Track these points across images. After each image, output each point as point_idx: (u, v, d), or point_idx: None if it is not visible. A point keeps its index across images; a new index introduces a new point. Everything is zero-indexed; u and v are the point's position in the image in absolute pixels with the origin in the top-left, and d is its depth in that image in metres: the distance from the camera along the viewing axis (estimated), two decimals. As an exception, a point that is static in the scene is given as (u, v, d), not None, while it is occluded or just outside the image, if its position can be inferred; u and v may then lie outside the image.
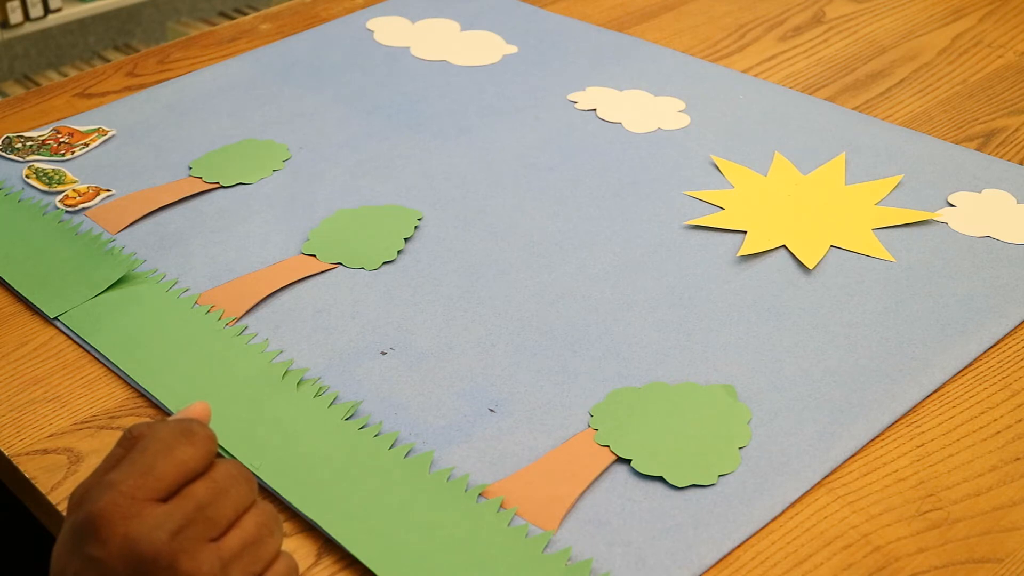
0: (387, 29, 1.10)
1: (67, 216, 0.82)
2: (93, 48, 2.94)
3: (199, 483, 0.45)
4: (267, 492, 0.59)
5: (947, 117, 0.93)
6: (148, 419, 0.65)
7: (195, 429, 0.46)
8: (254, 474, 0.55)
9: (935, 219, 0.79)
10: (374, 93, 0.98)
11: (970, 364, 0.67)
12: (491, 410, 0.64)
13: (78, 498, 0.45)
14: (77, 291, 0.74)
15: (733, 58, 1.03)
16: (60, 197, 0.84)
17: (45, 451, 0.63)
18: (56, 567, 0.44)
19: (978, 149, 0.88)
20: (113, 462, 0.46)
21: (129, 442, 0.46)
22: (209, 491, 0.45)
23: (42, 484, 0.61)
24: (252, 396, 0.65)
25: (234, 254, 0.78)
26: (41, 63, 2.86)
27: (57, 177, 0.86)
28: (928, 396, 0.65)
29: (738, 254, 0.76)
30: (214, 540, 0.44)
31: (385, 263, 0.76)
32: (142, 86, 1.02)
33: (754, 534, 0.56)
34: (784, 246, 0.77)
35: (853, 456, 0.61)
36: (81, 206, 0.83)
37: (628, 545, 0.55)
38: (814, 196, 0.82)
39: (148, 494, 0.43)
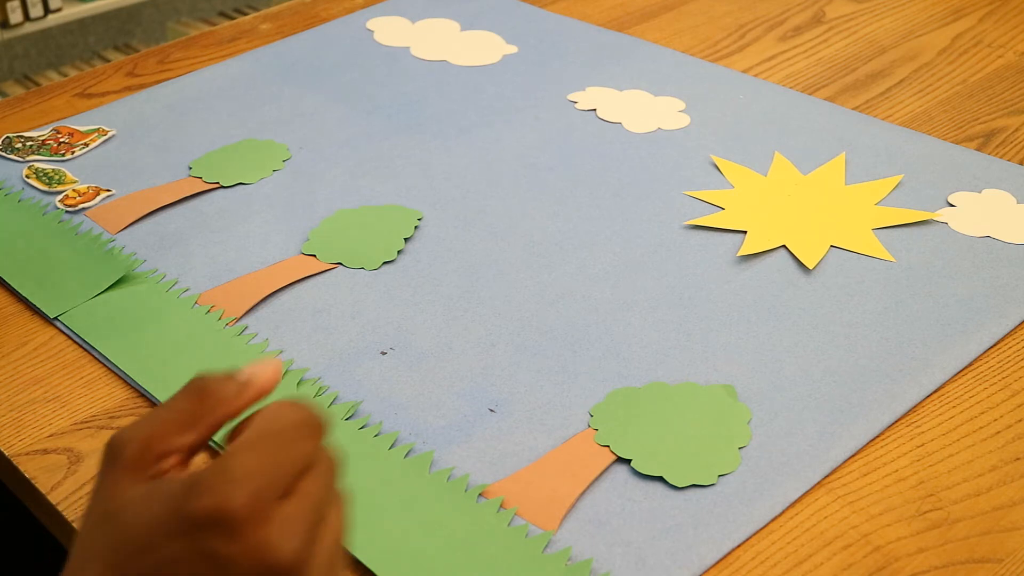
0: (387, 29, 1.10)
1: (67, 216, 0.82)
2: (93, 48, 2.94)
3: (310, 479, 0.43)
4: (267, 492, 0.59)
5: (947, 117, 0.93)
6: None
7: (315, 421, 0.44)
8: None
9: (935, 219, 0.79)
10: (374, 93, 0.98)
11: (970, 364, 0.67)
12: (491, 410, 0.64)
13: (203, 472, 0.41)
14: (77, 291, 0.74)
15: (733, 58, 1.03)
16: (60, 197, 0.84)
17: (45, 451, 0.63)
18: (143, 541, 0.41)
19: (978, 149, 0.88)
20: (181, 414, 0.43)
21: (197, 394, 0.43)
22: (321, 488, 0.43)
23: (42, 484, 0.61)
24: (252, 396, 0.65)
25: (234, 254, 0.78)
26: (41, 63, 2.87)
27: (57, 177, 0.86)
28: (928, 396, 0.65)
29: (738, 254, 0.76)
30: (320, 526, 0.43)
31: (385, 263, 0.76)
32: (142, 86, 1.02)
33: (754, 534, 0.56)
34: (784, 246, 0.77)
35: (853, 456, 0.61)
36: (81, 206, 0.83)
37: (628, 545, 0.55)
38: (814, 196, 0.82)
39: (275, 493, 0.41)
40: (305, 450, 0.43)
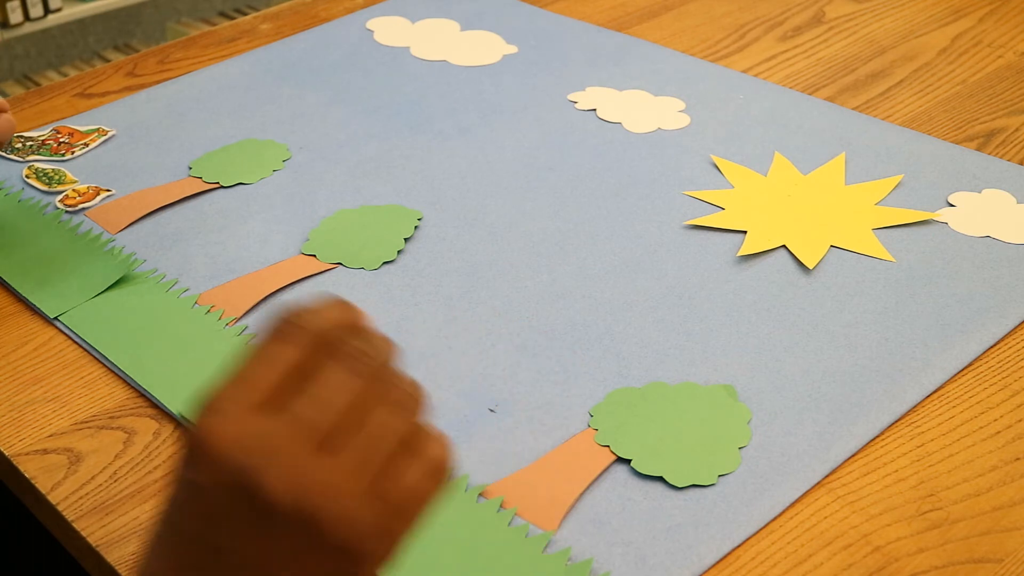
0: (387, 29, 1.10)
1: (67, 216, 0.82)
2: (93, 48, 2.94)
3: (294, 389, 0.38)
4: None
5: (947, 117, 0.93)
6: (149, 418, 0.65)
7: (293, 322, 0.39)
8: None
9: (935, 219, 0.79)
10: (374, 93, 0.98)
11: (970, 364, 0.67)
12: (491, 410, 0.64)
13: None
14: (77, 291, 0.74)
15: (733, 58, 1.03)
16: (60, 197, 0.84)
17: (45, 451, 0.63)
18: (170, 482, 0.40)
19: (978, 149, 0.88)
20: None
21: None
22: (306, 400, 0.37)
23: (42, 484, 0.61)
24: (252, 396, 0.65)
25: (234, 254, 0.78)
26: (41, 63, 2.86)
27: (57, 177, 0.86)
28: (928, 396, 0.65)
29: (738, 254, 0.76)
30: (321, 450, 0.37)
31: (385, 263, 0.76)
32: (142, 86, 1.02)
33: (754, 534, 0.56)
34: (784, 246, 0.77)
35: (853, 456, 0.61)
36: (81, 206, 0.83)
37: (628, 545, 0.55)
38: (814, 196, 0.82)
39: (243, 406, 0.37)
40: (277, 358, 0.38)
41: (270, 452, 0.36)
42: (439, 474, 0.39)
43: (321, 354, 0.38)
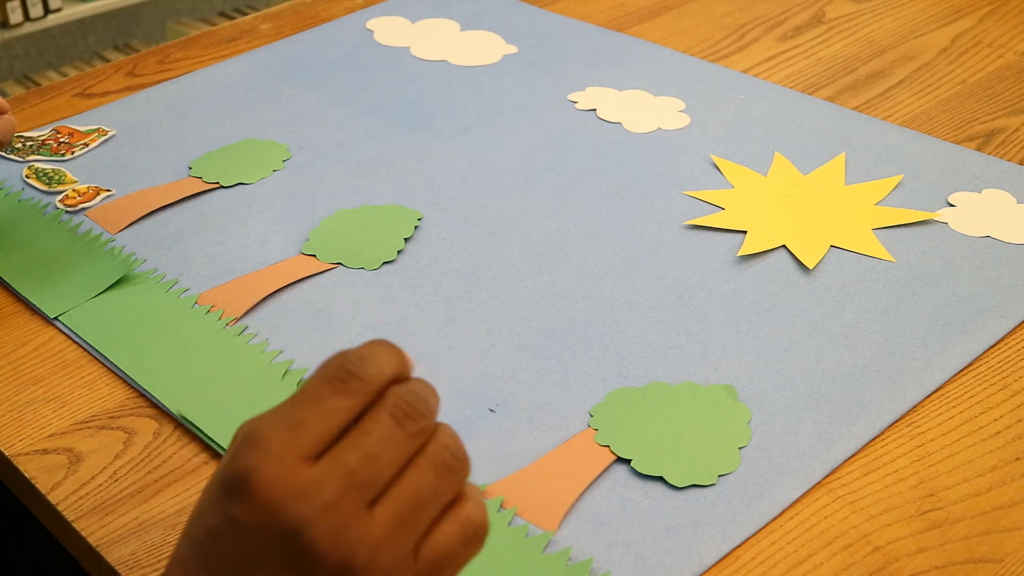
0: (387, 29, 1.10)
1: (67, 216, 0.82)
2: (93, 48, 2.94)
3: (348, 442, 0.39)
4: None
5: (947, 117, 0.93)
6: (149, 418, 0.65)
7: (352, 372, 0.39)
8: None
9: (935, 219, 0.79)
10: (374, 93, 0.98)
11: (970, 364, 0.67)
12: (491, 410, 0.64)
13: (240, 439, 0.39)
14: (77, 291, 0.74)
15: (733, 58, 1.03)
16: (60, 197, 0.84)
17: (45, 451, 0.63)
18: (198, 510, 0.41)
19: (978, 149, 0.88)
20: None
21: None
22: (359, 454, 0.38)
23: (42, 484, 0.61)
24: (252, 396, 0.65)
25: (234, 254, 0.78)
26: (41, 63, 2.87)
27: (57, 177, 0.86)
28: (928, 396, 0.65)
29: (738, 254, 0.76)
30: (370, 506, 0.38)
31: (385, 263, 0.76)
32: (142, 86, 1.02)
33: (754, 534, 0.56)
34: (784, 246, 0.77)
35: (853, 456, 0.61)
36: (81, 206, 0.83)
37: (628, 545, 0.55)
38: (814, 196, 0.82)
39: (298, 453, 0.38)
40: (333, 407, 0.39)
41: (322, 504, 0.38)
42: (477, 539, 0.42)
43: (376, 407, 0.40)
